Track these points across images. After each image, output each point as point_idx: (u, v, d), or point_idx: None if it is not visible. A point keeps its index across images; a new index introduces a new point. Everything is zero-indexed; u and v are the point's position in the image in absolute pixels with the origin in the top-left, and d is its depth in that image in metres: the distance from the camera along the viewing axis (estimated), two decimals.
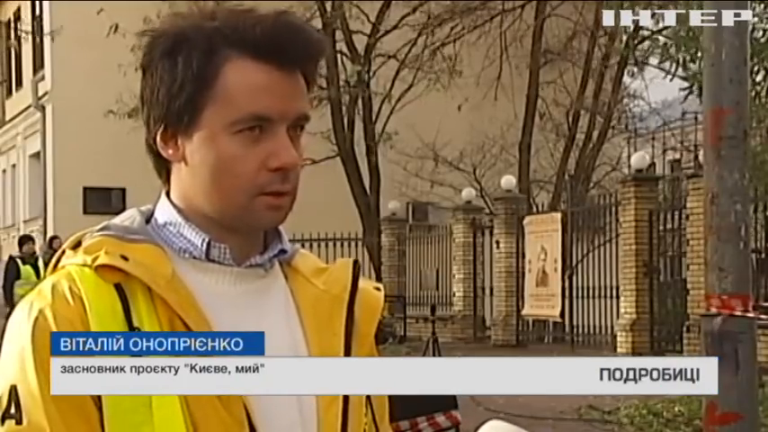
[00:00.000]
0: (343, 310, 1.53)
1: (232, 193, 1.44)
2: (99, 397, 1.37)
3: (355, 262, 1.58)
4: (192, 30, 1.45)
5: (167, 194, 1.52)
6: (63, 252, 1.49)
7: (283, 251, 1.54)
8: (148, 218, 1.52)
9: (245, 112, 1.43)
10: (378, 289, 1.61)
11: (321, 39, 1.52)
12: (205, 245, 1.48)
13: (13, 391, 1.37)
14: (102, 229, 1.48)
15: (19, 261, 16.58)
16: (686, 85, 13.62)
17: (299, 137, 1.47)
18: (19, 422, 1.36)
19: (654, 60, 20.92)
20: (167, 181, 1.52)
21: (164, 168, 1.51)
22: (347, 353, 1.51)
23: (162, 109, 1.45)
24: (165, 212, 1.51)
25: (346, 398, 1.49)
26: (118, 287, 1.41)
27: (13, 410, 1.36)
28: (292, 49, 1.44)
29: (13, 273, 16.34)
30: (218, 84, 1.43)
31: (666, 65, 14.78)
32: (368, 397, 1.56)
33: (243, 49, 1.43)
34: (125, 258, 1.42)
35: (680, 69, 13.43)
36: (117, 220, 1.51)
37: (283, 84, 1.44)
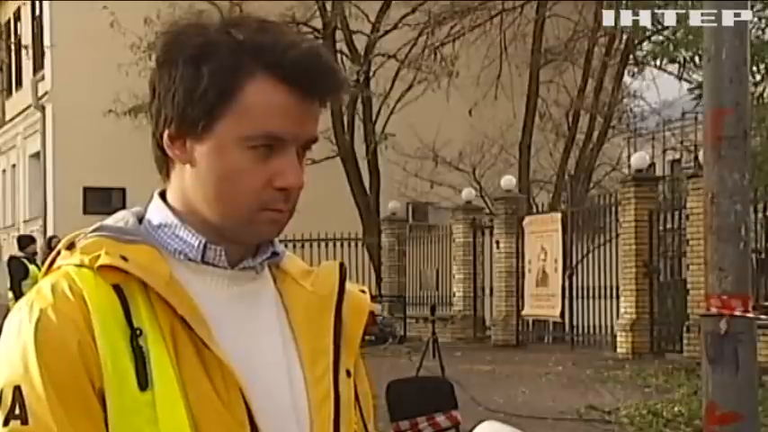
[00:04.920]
0: (331, 312, 1.55)
1: (234, 206, 1.45)
2: (103, 396, 1.38)
3: (341, 264, 1.60)
4: (219, 38, 1.45)
5: (161, 195, 1.53)
6: (58, 252, 1.49)
7: (275, 254, 1.55)
8: (140, 219, 1.52)
9: (260, 129, 1.43)
10: (363, 291, 1.63)
11: (346, 77, 1.54)
12: (201, 246, 1.48)
13: (17, 391, 1.37)
14: (96, 230, 1.48)
15: (25, 261, 16.58)
16: (690, 86, 13.64)
17: (304, 156, 1.49)
18: (25, 422, 1.36)
19: (657, 61, 20.89)
20: (167, 177, 1.52)
21: (165, 165, 1.51)
22: (336, 354, 1.53)
23: (177, 110, 1.45)
24: (159, 214, 1.51)
25: (337, 398, 1.51)
26: (116, 288, 1.42)
27: (17, 411, 1.36)
28: (318, 81, 1.46)
29: (20, 272, 16.29)
30: (238, 97, 1.44)
31: (671, 66, 14.79)
32: (356, 398, 1.58)
33: (270, 70, 1.44)
34: (125, 259, 1.43)
35: (686, 71, 13.45)
36: (110, 221, 1.51)
37: (302, 108, 1.45)
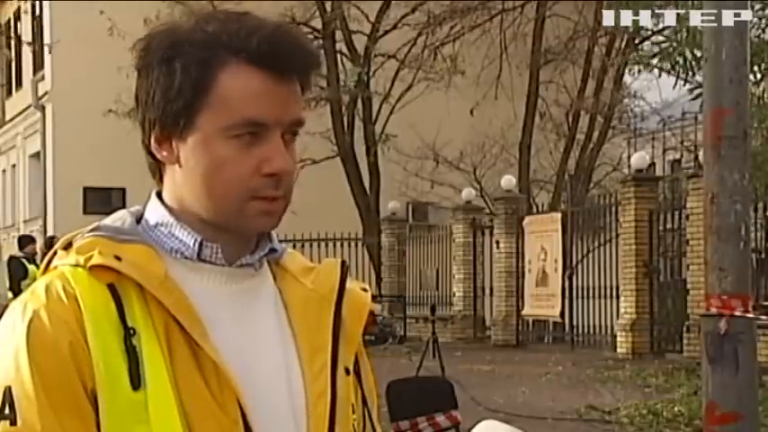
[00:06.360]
0: (330, 310, 1.54)
1: (225, 197, 1.45)
2: (95, 397, 1.37)
3: (343, 262, 1.60)
4: (189, 34, 1.45)
5: (158, 195, 1.53)
6: (54, 253, 1.49)
7: (273, 250, 1.55)
8: (138, 219, 1.52)
9: (239, 117, 1.43)
10: (365, 290, 1.62)
11: (318, 51, 1.54)
12: (197, 245, 1.48)
13: (8, 391, 1.36)
14: (93, 230, 1.48)
15: (25, 261, 16.60)
16: (690, 86, 13.63)
17: (293, 141, 1.48)
18: (14, 423, 1.35)
19: (654, 61, 20.87)
20: (161, 181, 1.52)
21: (158, 169, 1.52)
22: (335, 352, 1.52)
23: (157, 111, 1.46)
24: (156, 213, 1.51)
25: (334, 393, 1.50)
26: (111, 287, 1.42)
27: (7, 411, 1.36)
28: (290, 58, 1.45)
29: (20, 272, 16.33)
30: (214, 88, 1.44)
31: (663, 63, 14.77)
32: (363, 396, 1.59)
33: (240, 56, 1.44)
34: (118, 259, 1.43)
35: (688, 72, 13.43)
36: (108, 220, 1.51)
37: (279, 90, 1.45)
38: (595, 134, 24.89)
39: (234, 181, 1.44)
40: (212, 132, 1.44)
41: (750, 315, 4.77)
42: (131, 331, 1.40)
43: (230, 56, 1.44)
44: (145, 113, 1.48)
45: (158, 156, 1.49)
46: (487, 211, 22.72)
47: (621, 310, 17.16)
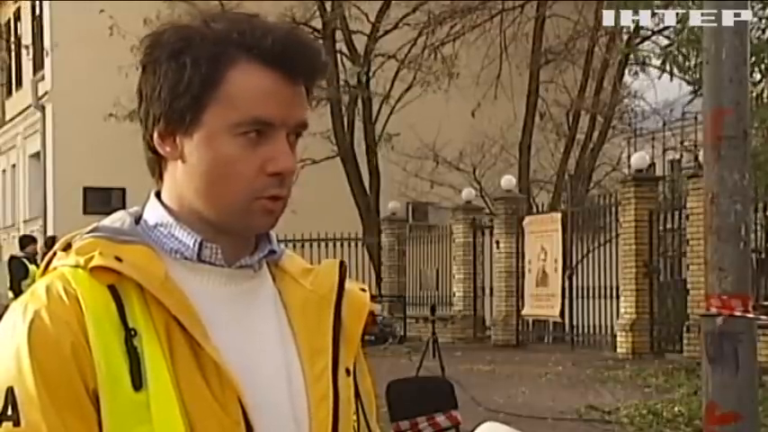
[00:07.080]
0: (330, 311, 1.54)
1: (228, 195, 1.45)
2: (97, 397, 1.37)
3: (341, 263, 1.60)
4: (199, 31, 1.46)
5: (157, 195, 1.53)
6: (54, 254, 1.49)
7: (272, 252, 1.55)
8: (137, 219, 1.52)
9: (247, 115, 1.44)
10: (363, 290, 1.62)
11: (326, 57, 1.54)
12: (197, 245, 1.48)
13: (10, 392, 1.36)
14: (92, 231, 1.48)
15: (26, 260, 16.60)
16: (690, 84, 13.65)
17: (296, 143, 1.49)
18: (17, 424, 1.35)
19: (656, 61, 20.88)
20: (160, 179, 1.52)
21: (157, 166, 1.52)
22: (335, 353, 1.53)
23: (163, 106, 1.46)
24: (155, 213, 1.51)
25: (336, 395, 1.51)
26: (111, 288, 1.42)
27: (9, 412, 1.36)
28: (301, 61, 1.46)
29: (21, 272, 16.32)
30: (223, 85, 1.44)
31: (669, 66, 14.79)
32: (357, 396, 1.58)
33: (252, 54, 1.44)
34: (119, 260, 1.42)
35: (686, 72, 13.44)
36: (107, 221, 1.51)
37: (287, 91, 1.46)
38: (595, 134, 24.89)
39: (238, 180, 1.44)
40: (219, 129, 1.44)
41: (750, 315, 4.77)
42: (132, 332, 1.39)
43: (241, 53, 1.44)
44: (149, 109, 1.48)
45: (161, 151, 1.48)
46: (487, 211, 22.72)
47: (621, 310, 17.16)
